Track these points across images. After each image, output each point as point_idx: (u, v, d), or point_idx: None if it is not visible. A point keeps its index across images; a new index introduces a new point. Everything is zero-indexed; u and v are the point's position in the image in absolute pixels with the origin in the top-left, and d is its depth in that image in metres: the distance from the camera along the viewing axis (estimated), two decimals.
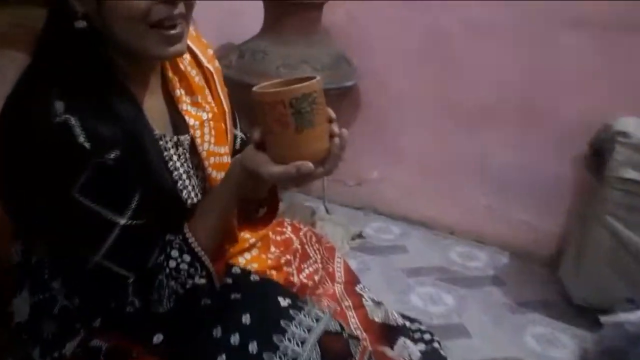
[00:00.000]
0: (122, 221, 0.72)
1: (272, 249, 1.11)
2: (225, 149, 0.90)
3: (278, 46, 1.76)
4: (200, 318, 0.80)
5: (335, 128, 0.74)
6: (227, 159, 0.90)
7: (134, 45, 0.71)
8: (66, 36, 0.70)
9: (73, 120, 0.66)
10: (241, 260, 0.99)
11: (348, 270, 1.23)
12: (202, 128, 0.87)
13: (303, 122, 0.68)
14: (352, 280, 1.20)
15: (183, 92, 0.86)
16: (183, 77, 0.87)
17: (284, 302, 0.83)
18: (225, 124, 0.93)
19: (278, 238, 1.14)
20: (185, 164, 0.84)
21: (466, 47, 1.91)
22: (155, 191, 0.76)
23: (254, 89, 0.69)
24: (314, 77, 0.70)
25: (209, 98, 0.91)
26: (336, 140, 0.73)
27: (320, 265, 1.16)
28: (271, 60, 1.73)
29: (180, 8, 0.71)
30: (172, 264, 0.77)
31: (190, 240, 0.78)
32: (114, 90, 0.73)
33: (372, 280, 1.74)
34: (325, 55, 1.81)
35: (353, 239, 2.04)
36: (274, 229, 1.14)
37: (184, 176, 0.83)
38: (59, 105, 0.66)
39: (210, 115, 0.89)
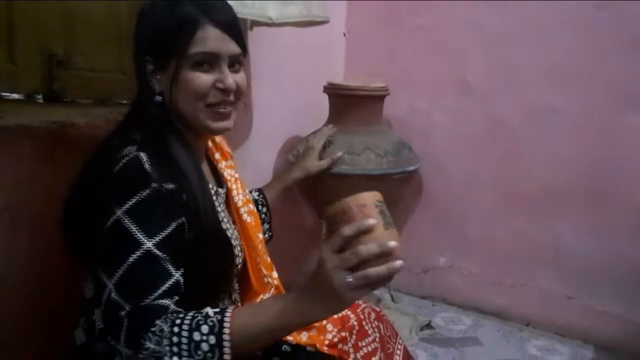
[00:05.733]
0: (148, 244, 0.75)
1: (330, 327, 1.10)
2: (251, 203, 1.11)
3: (342, 136, 1.85)
4: None
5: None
6: (254, 208, 1.12)
7: (191, 117, 0.90)
8: (147, 106, 0.90)
9: (142, 155, 0.79)
10: (301, 338, 1.02)
11: (407, 355, 1.19)
12: (236, 183, 1.08)
13: (387, 220, 0.71)
14: None
15: (219, 156, 1.09)
16: (219, 147, 1.10)
17: None
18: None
19: (334, 315, 1.13)
20: (223, 212, 1.00)
21: (528, 133, 1.92)
22: (207, 231, 0.87)
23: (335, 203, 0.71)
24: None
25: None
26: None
27: (379, 344, 1.13)
28: (337, 148, 1.81)
29: (231, 96, 0.91)
30: (197, 336, 0.70)
31: (225, 330, 0.71)
32: (178, 145, 0.88)
33: None
34: (387, 142, 1.87)
35: (422, 329, 1.96)
36: None
37: (225, 220, 0.99)
38: (132, 148, 0.81)
39: (237, 175, 1.10)
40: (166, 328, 0.71)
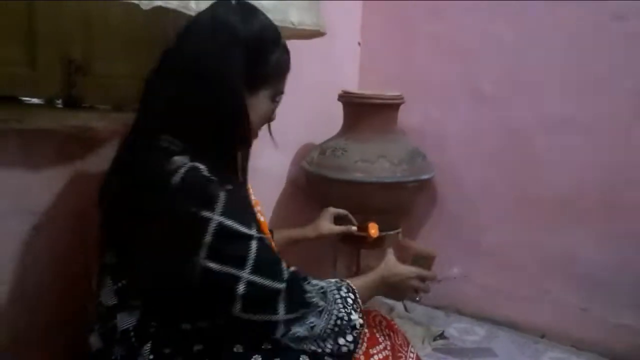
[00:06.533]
0: (254, 233, 0.83)
1: None
2: (259, 205, 1.15)
3: (357, 143, 1.86)
4: None
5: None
6: (262, 209, 1.16)
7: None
8: (233, 123, 0.90)
9: (197, 164, 0.81)
10: None
11: None
12: (248, 184, 1.08)
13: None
14: None
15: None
16: None
17: None
18: None
19: None
20: None
21: (543, 142, 1.91)
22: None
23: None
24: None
25: None
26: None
27: (390, 352, 1.12)
28: (350, 155, 1.82)
29: None
30: (343, 293, 0.93)
31: (356, 290, 0.96)
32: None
33: None
34: (402, 150, 1.87)
35: (435, 339, 1.95)
36: None
37: None
38: (183, 159, 0.82)
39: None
40: (314, 288, 0.89)
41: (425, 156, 1.95)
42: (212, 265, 0.79)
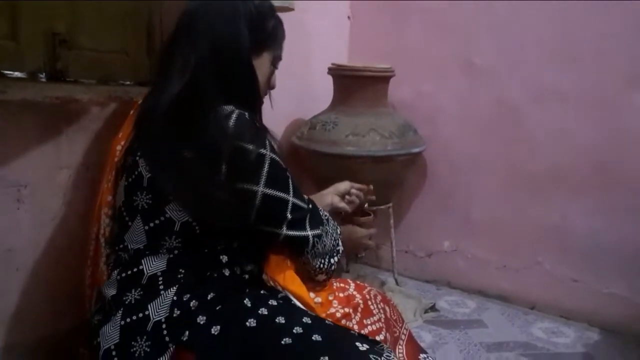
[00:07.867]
0: (286, 167, 0.99)
1: (335, 303, 1.12)
2: None
3: (347, 117, 1.85)
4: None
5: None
6: None
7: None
8: (245, 80, 1.03)
9: (242, 112, 0.94)
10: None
11: (411, 340, 1.21)
12: None
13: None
14: (416, 348, 1.19)
15: None
16: None
17: (362, 347, 0.85)
18: None
19: (340, 295, 1.15)
20: None
21: (534, 115, 1.91)
22: None
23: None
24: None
25: None
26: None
27: (384, 325, 1.13)
28: (341, 129, 1.81)
29: None
30: (332, 222, 1.09)
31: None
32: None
33: (450, 355, 1.68)
34: (392, 124, 1.86)
35: (426, 311, 1.97)
36: (337, 287, 1.16)
37: None
38: (230, 107, 0.94)
39: None
40: (322, 212, 1.08)
41: (416, 130, 1.95)
42: (270, 191, 0.94)
